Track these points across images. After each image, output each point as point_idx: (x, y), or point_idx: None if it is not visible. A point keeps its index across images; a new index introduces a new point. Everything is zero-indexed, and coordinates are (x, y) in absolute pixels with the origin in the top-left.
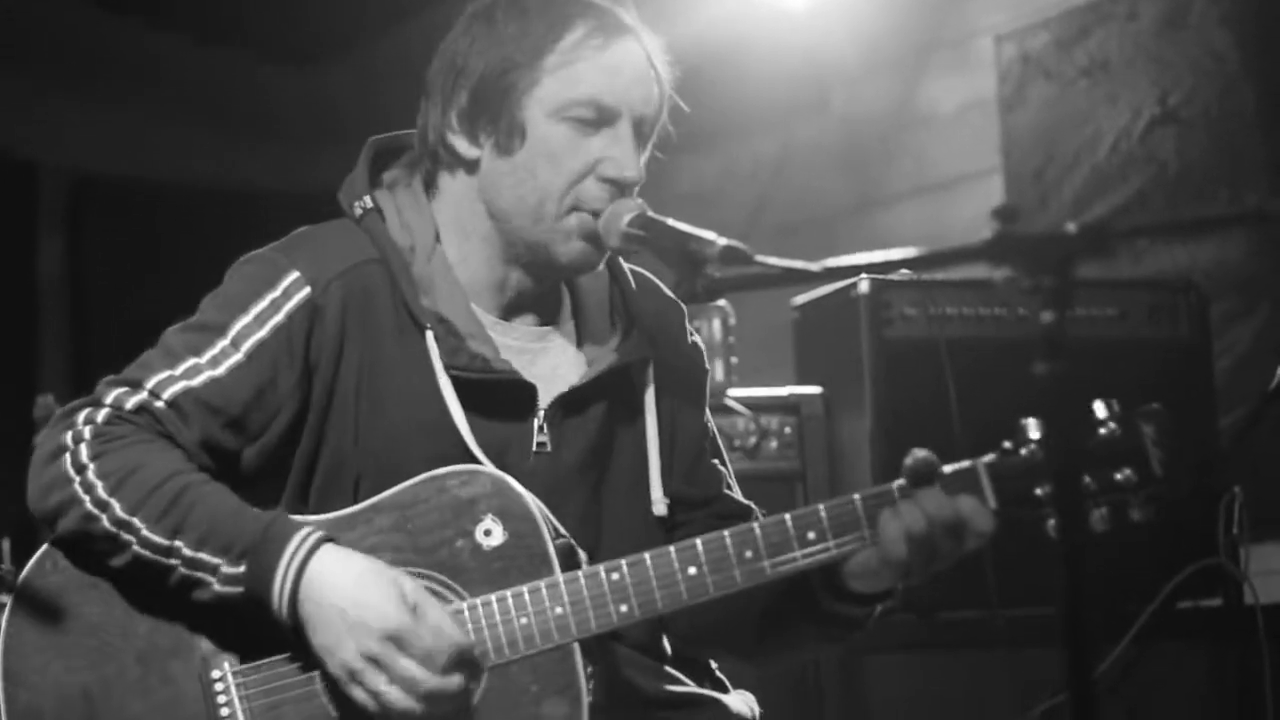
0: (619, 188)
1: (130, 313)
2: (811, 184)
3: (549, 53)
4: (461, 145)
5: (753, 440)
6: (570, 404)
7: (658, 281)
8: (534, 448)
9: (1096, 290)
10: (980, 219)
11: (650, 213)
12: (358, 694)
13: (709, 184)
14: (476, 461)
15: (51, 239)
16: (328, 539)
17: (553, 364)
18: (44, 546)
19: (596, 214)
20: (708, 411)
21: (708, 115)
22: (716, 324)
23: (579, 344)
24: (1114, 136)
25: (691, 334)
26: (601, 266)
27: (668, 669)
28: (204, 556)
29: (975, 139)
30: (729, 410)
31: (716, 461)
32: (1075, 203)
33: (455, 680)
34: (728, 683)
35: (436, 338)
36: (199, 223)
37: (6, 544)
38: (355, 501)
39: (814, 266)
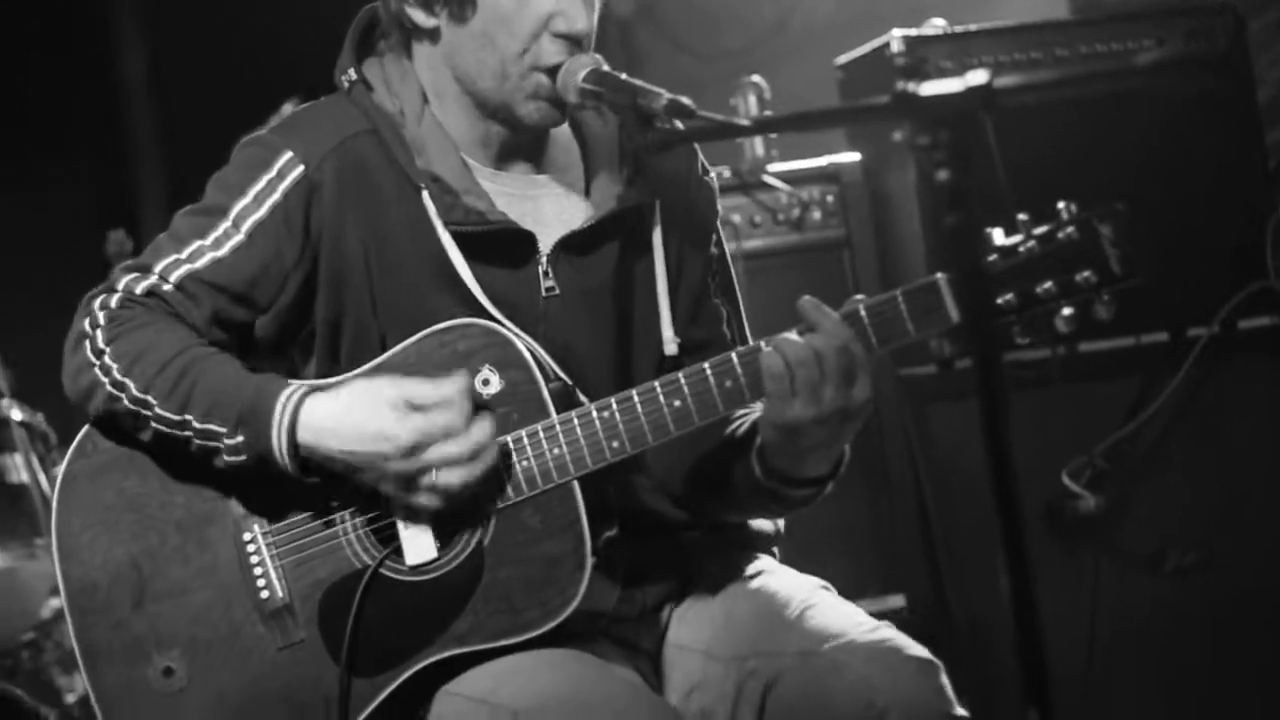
0: (573, 41)
1: (214, 111)
2: None
3: None
4: (419, 16)
5: (795, 213)
6: (574, 247)
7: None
8: (543, 293)
9: (1132, 22)
10: None
11: (604, 68)
12: (417, 502)
13: None
14: (486, 311)
15: (132, 46)
16: (312, 390)
17: (556, 210)
18: (84, 429)
19: (554, 70)
20: (716, 249)
21: None
22: (752, 99)
23: (587, 188)
24: None
25: (705, 173)
26: (609, 113)
27: None
28: (211, 427)
29: None
30: (768, 186)
31: (721, 301)
32: None
33: (482, 426)
34: None
35: (431, 196)
36: (276, 18)
37: None
38: None
39: (747, 122)
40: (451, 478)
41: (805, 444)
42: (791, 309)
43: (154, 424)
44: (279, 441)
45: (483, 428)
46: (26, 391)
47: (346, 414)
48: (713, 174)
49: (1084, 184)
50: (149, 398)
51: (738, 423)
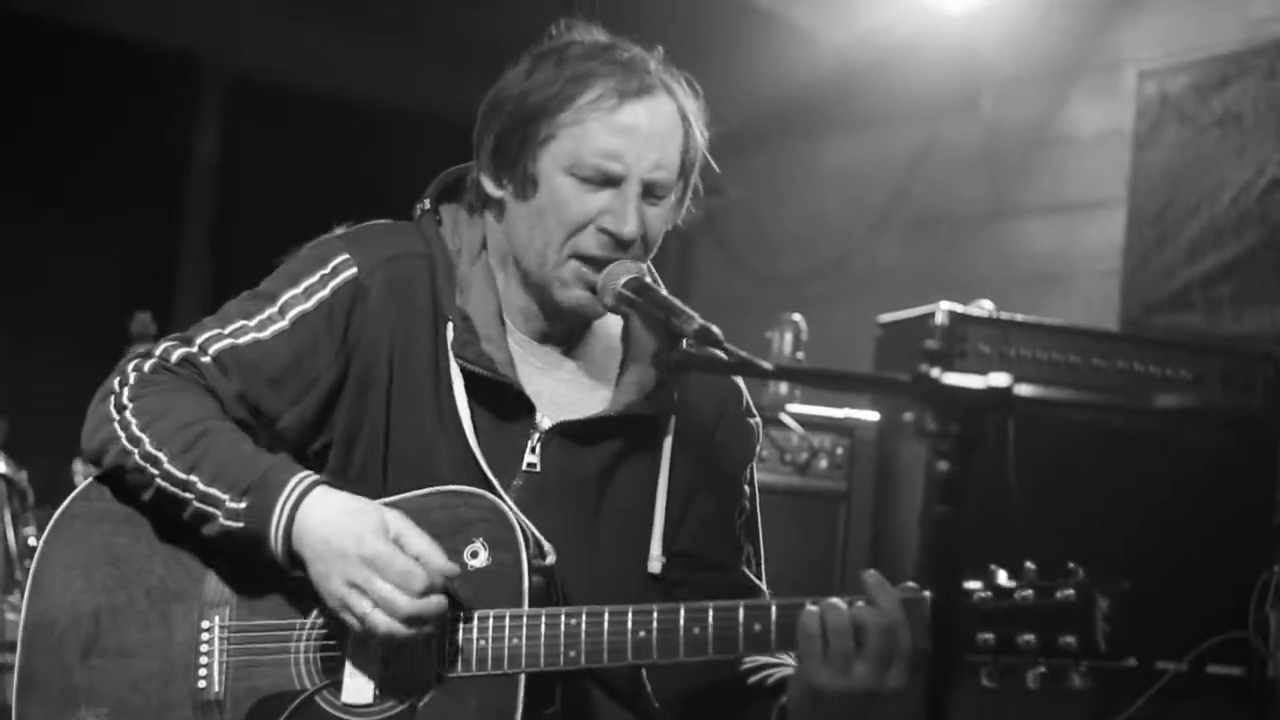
0: (616, 241)
1: (272, 208)
2: (950, 182)
3: (565, 110)
4: (489, 185)
5: (803, 457)
6: (573, 435)
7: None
8: (523, 466)
9: (1174, 350)
10: (1101, 248)
11: (647, 279)
12: (349, 619)
13: (853, 165)
14: (474, 457)
15: (208, 129)
16: (323, 481)
17: (571, 396)
18: (92, 476)
19: (592, 260)
20: (749, 489)
21: (861, 101)
22: (788, 337)
23: (617, 383)
24: (1235, 190)
25: (749, 414)
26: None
27: None
28: (214, 492)
29: (1108, 167)
30: (782, 425)
31: (743, 537)
32: (1190, 249)
33: (433, 602)
34: None
35: (454, 329)
36: (348, 136)
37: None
38: (384, 479)
39: (768, 366)
40: (378, 620)
41: (828, 711)
42: (776, 549)
43: (158, 481)
44: (279, 518)
45: (431, 604)
46: (17, 447)
47: (344, 513)
48: (758, 419)
49: (1088, 499)
50: (159, 454)
51: (767, 674)
